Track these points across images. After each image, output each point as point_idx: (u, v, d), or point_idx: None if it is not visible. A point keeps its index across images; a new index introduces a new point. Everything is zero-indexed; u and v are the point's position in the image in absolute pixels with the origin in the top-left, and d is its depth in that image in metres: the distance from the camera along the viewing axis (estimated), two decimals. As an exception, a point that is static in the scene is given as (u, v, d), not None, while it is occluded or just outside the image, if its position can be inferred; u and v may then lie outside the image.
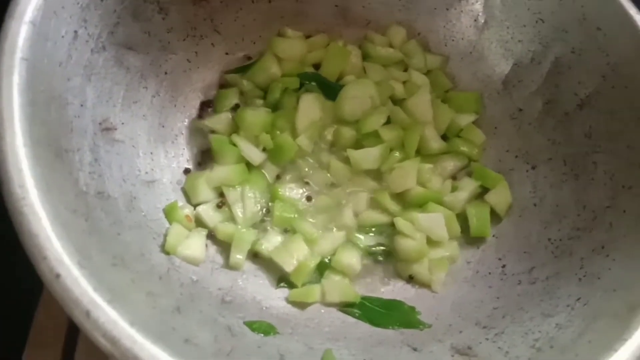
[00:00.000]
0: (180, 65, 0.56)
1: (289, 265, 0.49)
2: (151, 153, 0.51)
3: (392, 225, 0.53)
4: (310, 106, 0.56)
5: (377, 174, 0.56)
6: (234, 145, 0.54)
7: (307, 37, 0.62)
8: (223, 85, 0.60)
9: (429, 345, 0.44)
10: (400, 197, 0.55)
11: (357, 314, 0.48)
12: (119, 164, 0.46)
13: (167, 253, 0.46)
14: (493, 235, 0.55)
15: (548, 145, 0.55)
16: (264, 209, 0.53)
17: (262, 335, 0.43)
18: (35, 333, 0.50)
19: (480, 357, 0.41)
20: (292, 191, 0.54)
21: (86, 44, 0.43)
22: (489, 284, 0.50)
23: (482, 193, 0.56)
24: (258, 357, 0.39)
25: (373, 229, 0.54)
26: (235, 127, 0.56)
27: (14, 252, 0.31)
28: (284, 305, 0.48)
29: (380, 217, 0.54)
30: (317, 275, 0.51)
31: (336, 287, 0.49)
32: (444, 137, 0.59)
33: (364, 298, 0.50)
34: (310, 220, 0.53)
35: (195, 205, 0.52)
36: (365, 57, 0.62)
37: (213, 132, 0.56)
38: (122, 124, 0.48)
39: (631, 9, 0.48)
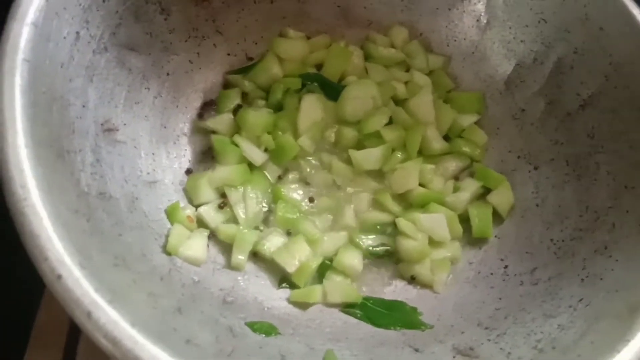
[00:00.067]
0: (182, 66, 0.56)
1: (290, 265, 0.49)
2: (153, 154, 0.51)
3: (394, 225, 0.53)
4: (312, 107, 0.56)
5: (379, 175, 0.56)
6: (236, 145, 0.54)
7: (309, 37, 0.62)
8: (225, 85, 0.60)
9: (431, 346, 0.44)
10: (402, 198, 0.55)
11: (358, 315, 0.48)
12: (121, 164, 0.46)
13: (169, 254, 0.46)
14: (495, 236, 0.54)
15: (550, 145, 0.55)
16: (266, 210, 0.53)
17: (264, 335, 0.43)
18: (36, 334, 0.50)
19: (482, 358, 0.41)
20: (294, 192, 0.54)
21: (88, 45, 0.43)
22: (491, 284, 0.50)
23: (484, 193, 0.56)
24: (259, 357, 0.39)
25: (375, 230, 0.54)
26: (237, 128, 0.56)
27: (16, 252, 0.32)
28: (286, 306, 0.48)
29: (382, 218, 0.54)
30: (319, 276, 0.51)
31: (338, 287, 0.49)
32: (446, 138, 0.59)
33: (365, 299, 0.50)
34: (312, 220, 0.53)
35: (197, 206, 0.52)
36: (367, 57, 0.62)
37: (215, 132, 0.56)
38: (124, 124, 0.48)
39: (634, 9, 0.48)
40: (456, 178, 0.58)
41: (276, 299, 0.49)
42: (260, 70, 0.59)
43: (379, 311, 0.49)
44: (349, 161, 0.55)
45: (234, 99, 0.58)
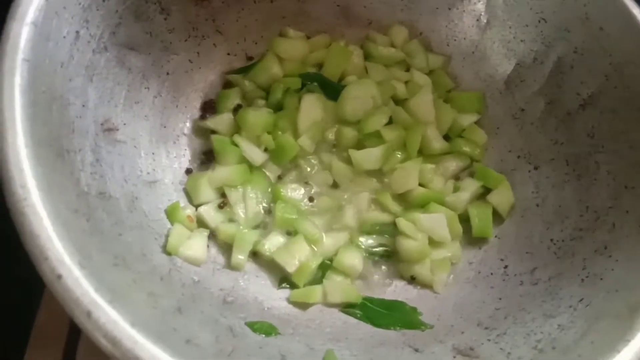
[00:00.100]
0: (182, 65, 0.56)
1: (290, 265, 0.49)
2: (153, 153, 0.51)
3: (394, 225, 0.53)
4: (312, 106, 0.56)
5: (379, 175, 0.56)
6: (236, 145, 0.54)
7: (309, 37, 0.62)
8: (225, 85, 0.60)
9: (431, 346, 0.44)
10: (402, 198, 0.55)
11: (358, 315, 0.48)
12: (121, 164, 0.46)
13: (169, 253, 0.46)
14: (495, 236, 0.54)
15: (550, 145, 0.55)
16: (266, 210, 0.53)
17: (264, 335, 0.43)
18: (36, 333, 0.50)
19: (482, 358, 0.41)
20: (294, 192, 0.54)
21: (88, 45, 0.43)
22: (491, 284, 0.50)
23: (484, 193, 0.56)
24: (259, 357, 0.39)
25: (375, 230, 0.54)
26: (236, 128, 0.56)
27: (16, 252, 0.31)
28: (286, 306, 0.48)
29: (382, 218, 0.54)
30: (319, 276, 0.51)
31: (338, 287, 0.49)
32: (446, 138, 0.59)
33: (365, 299, 0.50)
34: (312, 220, 0.53)
35: (197, 206, 0.52)
36: (367, 57, 0.62)
37: (215, 132, 0.56)
38: (124, 124, 0.48)
39: (634, 9, 0.48)
40: (456, 178, 0.58)
41: (276, 299, 0.49)
42: (260, 69, 0.59)
43: (379, 311, 0.49)
44: (348, 161, 0.55)
45: (234, 99, 0.58)
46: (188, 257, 0.47)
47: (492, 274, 0.51)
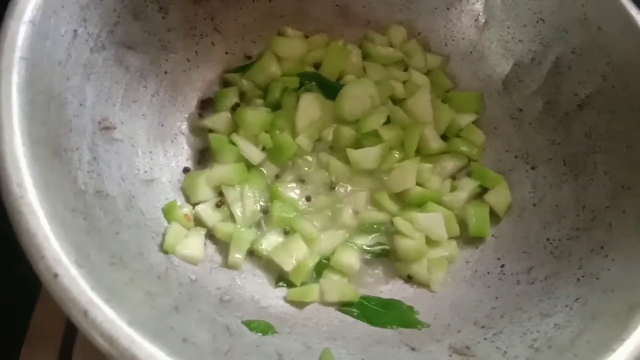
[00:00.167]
0: (180, 64, 0.56)
1: (288, 264, 0.49)
2: (150, 152, 0.51)
3: (392, 224, 0.53)
4: (310, 106, 0.56)
5: (376, 174, 0.56)
6: (234, 144, 0.54)
7: (307, 36, 0.62)
8: (223, 84, 0.60)
9: (427, 345, 0.44)
10: (400, 197, 0.55)
11: (355, 314, 0.48)
12: (118, 163, 0.46)
13: (166, 252, 0.46)
14: (492, 235, 0.55)
15: (548, 145, 0.55)
16: (263, 209, 0.53)
17: (260, 334, 0.43)
18: (32, 332, 0.50)
19: (478, 357, 0.41)
20: (292, 191, 0.54)
21: (86, 43, 0.43)
22: (488, 283, 0.50)
23: (481, 193, 0.56)
24: (256, 356, 0.39)
25: (372, 229, 0.54)
26: (234, 127, 0.56)
27: (12, 251, 0.31)
28: (283, 305, 0.48)
29: (379, 217, 0.54)
30: (316, 275, 0.51)
31: (335, 286, 0.49)
32: (444, 137, 0.59)
33: (362, 297, 0.50)
34: (310, 219, 0.53)
35: (194, 205, 0.52)
36: (366, 56, 0.62)
37: (212, 131, 0.56)
38: (122, 123, 0.48)
39: (632, 9, 0.48)
40: (454, 177, 0.58)
41: (273, 297, 0.49)
42: (259, 69, 0.59)
43: (376, 310, 0.49)
44: (346, 160, 0.55)
45: (232, 98, 0.58)
46: (185, 256, 0.47)
47: (488, 273, 0.51)
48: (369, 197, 0.55)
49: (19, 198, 0.31)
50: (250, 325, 0.43)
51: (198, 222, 0.51)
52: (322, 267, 0.51)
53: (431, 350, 0.43)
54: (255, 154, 0.54)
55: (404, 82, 0.61)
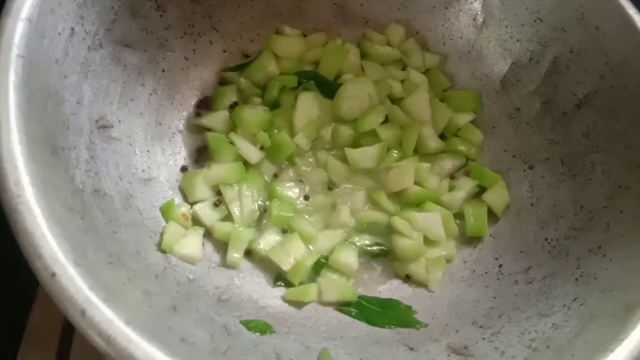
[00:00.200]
0: (178, 62, 0.56)
1: (286, 264, 0.49)
2: (148, 151, 0.51)
3: (390, 224, 0.53)
4: (308, 105, 0.56)
5: (374, 173, 0.56)
6: (232, 143, 0.54)
7: (305, 35, 0.62)
8: (221, 83, 0.60)
9: (425, 345, 0.44)
10: (398, 196, 0.55)
11: (353, 313, 0.48)
12: (116, 161, 0.46)
13: (164, 252, 0.46)
14: (490, 235, 0.55)
15: (546, 144, 0.55)
16: (261, 208, 0.53)
17: (259, 334, 0.43)
18: (30, 332, 0.50)
19: (476, 357, 0.41)
20: (290, 190, 0.54)
21: (83, 41, 0.43)
22: (486, 283, 0.50)
23: (479, 192, 0.56)
24: (254, 356, 0.39)
25: (370, 228, 0.54)
26: (232, 125, 0.56)
27: (9, 250, 0.31)
28: (281, 304, 0.48)
29: (377, 216, 0.54)
30: (314, 274, 0.51)
31: (333, 286, 0.49)
32: (442, 137, 0.59)
33: (360, 297, 0.50)
34: (308, 218, 0.53)
35: (192, 204, 0.52)
36: (364, 55, 0.62)
37: (210, 130, 0.56)
38: (119, 121, 0.48)
39: (630, 9, 0.48)
40: (452, 177, 0.58)
41: (271, 297, 0.49)
42: (257, 67, 0.59)
43: (374, 310, 0.49)
44: (344, 159, 0.55)
45: (230, 97, 0.58)
46: (183, 255, 0.47)
47: (486, 273, 0.51)
48: (367, 196, 0.55)
49: (16, 197, 0.31)
50: (248, 324, 0.43)
51: (196, 221, 0.51)
52: (321, 266, 0.51)
53: (429, 350, 0.43)
54: (253, 153, 0.54)
55: (402, 81, 0.61)
